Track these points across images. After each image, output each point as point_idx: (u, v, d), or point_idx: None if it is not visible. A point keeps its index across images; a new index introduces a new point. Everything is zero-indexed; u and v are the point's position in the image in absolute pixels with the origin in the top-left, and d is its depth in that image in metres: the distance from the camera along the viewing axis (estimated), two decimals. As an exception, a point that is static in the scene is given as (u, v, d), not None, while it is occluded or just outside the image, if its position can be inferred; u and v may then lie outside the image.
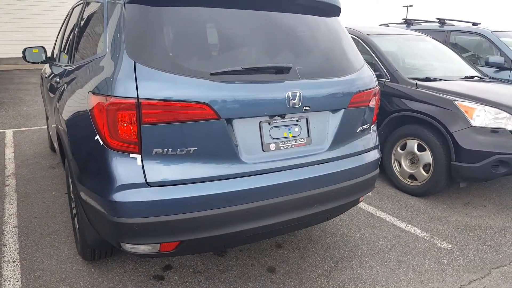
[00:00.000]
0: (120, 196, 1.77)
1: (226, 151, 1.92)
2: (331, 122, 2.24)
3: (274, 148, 2.06)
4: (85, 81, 2.09)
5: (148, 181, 1.80)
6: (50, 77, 3.47)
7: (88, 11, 2.69)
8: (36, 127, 6.02)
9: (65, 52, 3.21)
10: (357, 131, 2.38)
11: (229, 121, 1.93)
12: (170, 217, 1.81)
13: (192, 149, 1.85)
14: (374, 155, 2.49)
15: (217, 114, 1.86)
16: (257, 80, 1.98)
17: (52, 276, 2.43)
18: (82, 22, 2.78)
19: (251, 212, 1.93)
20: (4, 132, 5.71)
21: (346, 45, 2.41)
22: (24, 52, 3.82)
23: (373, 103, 2.45)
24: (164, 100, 1.76)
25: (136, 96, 1.75)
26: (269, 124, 2.06)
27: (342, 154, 2.28)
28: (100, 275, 2.44)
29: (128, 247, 1.91)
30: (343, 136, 2.29)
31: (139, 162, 1.80)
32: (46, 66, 4.17)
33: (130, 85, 1.76)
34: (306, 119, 2.17)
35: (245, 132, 1.98)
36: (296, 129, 2.14)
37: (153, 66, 1.79)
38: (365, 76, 2.40)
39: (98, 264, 2.55)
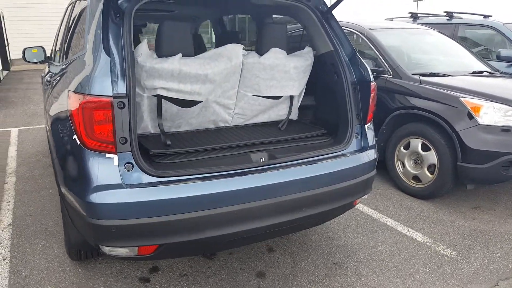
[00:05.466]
0: (96, 197, 1.71)
1: None
2: None
3: None
4: (68, 80, 2.06)
5: (125, 182, 1.73)
6: (46, 77, 3.47)
7: (77, 8, 2.66)
8: (40, 126, 6.08)
9: (59, 50, 3.20)
10: None
11: None
12: (148, 219, 1.74)
13: None
14: (371, 155, 2.36)
15: None
16: None
17: (39, 275, 2.40)
18: (72, 20, 2.75)
19: (233, 216, 1.84)
20: (10, 130, 5.78)
21: None
22: (23, 52, 3.82)
23: None
24: None
25: (111, 94, 1.69)
26: None
27: None
28: (86, 276, 2.40)
29: (106, 249, 1.85)
30: None
31: (115, 162, 1.73)
32: (46, 66, 4.18)
33: (106, 83, 1.70)
34: None
35: None
36: None
37: None
38: None
39: (85, 264, 2.51)
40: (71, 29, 2.67)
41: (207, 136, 2.33)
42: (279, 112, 2.66)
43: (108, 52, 1.77)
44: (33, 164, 4.34)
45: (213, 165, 1.94)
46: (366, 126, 2.39)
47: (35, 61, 3.76)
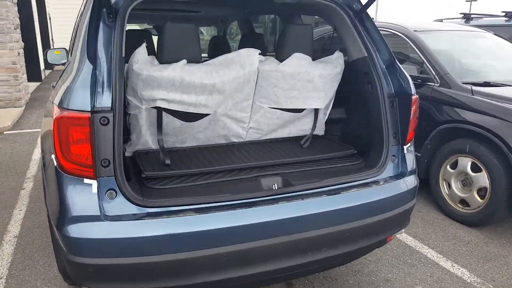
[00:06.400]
0: (71, 231, 1.46)
1: None
2: None
3: None
4: (56, 89, 1.83)
5: (105, 213, 1.46)
6: (53, 83, 3.34)
7: (80, 10, 2.46)
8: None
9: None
10: None
11: None
12: (130, 259, 1.46)
13: None
14: (411, 182, 1.96)
15: None
16: None
17: (33, 300, 2.21)
18: (76, 22, 2.56)
19: (233, 258, 1.52)
20: (40, 131, 5.79)
21: None
22: (46, 54, 3.73)
23: None
24: None
25: (89, 110, 1.42)
26: None
27: None
28: (81, 304, 2.17)
29: (88, 288, 1.59)
30: None
31: (94, 189, 1.47)
32: (65, 68, 4.08)
33: (85, 96, 1.44)
34: None
35: None
36: None
37: None
38: None
39: (83, 289, 2.29)
40: (74, 32, 2.48)
41: (216, 153, 2.03)
42: (301, 126, 2.31)
43: (94, 59, 1.52)
44: (52, 169, 4.25)
45: (213, 193, 1.63)
46: (405, 147, 1.99)
47: (62, 62, 3.65)
